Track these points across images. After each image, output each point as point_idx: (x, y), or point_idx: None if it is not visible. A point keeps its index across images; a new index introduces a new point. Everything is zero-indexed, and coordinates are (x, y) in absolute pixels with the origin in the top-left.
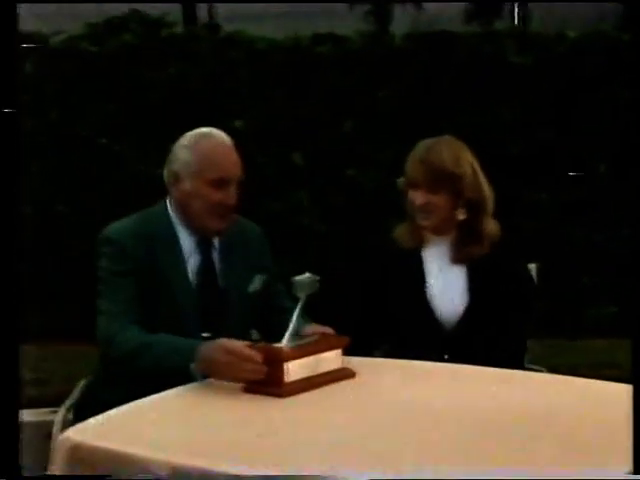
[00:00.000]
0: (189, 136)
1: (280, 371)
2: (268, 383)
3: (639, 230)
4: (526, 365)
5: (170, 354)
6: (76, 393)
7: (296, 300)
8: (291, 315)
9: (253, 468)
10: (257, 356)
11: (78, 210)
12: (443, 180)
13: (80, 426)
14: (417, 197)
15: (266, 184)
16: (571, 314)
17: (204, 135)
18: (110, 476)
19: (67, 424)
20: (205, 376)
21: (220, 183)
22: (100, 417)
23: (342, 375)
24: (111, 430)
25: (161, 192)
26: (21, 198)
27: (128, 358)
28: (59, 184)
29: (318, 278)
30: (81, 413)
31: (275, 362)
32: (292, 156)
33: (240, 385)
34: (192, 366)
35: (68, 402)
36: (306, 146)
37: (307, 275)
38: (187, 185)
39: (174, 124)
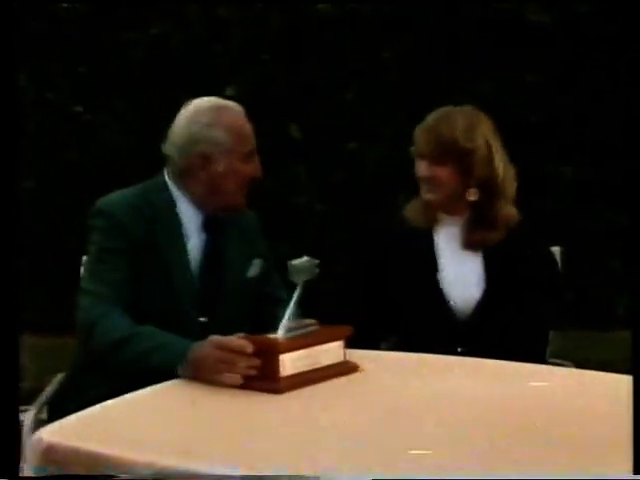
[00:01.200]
0: (207, 110)
1: (275, 364)
2: (262, 378)
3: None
4: (549, 359)
5: (157, 351)
6: (50, 390)
7: (292, 289)
8: (287, 304)
9: (245, 469)
10: (249, 347)
11: (48, 187)
12: (450, 153)
13: (54, 425)
14: (421, 167)
15: (259, 159)
16: (601, 303)
17: (220, 107)
18: (114, 476)
19: (39, 424)
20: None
21: (250, 155)
22: (77, 415)
23: (344, 369)
24: (89, 429)
25: (143, 165)
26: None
27: (109, 350)
28: (27, 158)
29: (317, 262)
30: (56, 412)
31: (270, 354)
32: (288, 128)
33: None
34: (180, 370)
35: (41, 400)
36: (304, 117)
37: (305, 259)
38: (221, 165)
39: (156, 91)
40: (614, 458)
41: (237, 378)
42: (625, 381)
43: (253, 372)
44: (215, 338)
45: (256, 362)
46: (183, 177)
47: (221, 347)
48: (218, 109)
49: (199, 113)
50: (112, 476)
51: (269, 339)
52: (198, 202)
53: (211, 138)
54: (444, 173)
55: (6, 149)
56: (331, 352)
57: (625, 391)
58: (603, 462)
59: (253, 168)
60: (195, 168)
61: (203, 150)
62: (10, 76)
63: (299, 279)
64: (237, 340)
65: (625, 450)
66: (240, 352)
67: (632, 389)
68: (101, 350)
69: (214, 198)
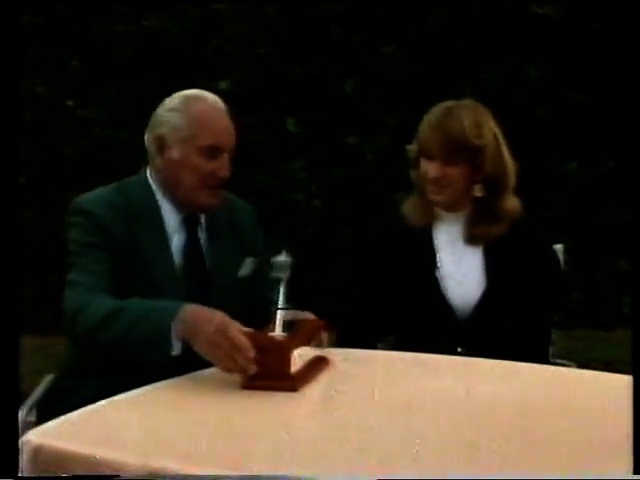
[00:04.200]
0: (178, 97)
1: (287, 362)
2: (275, 376)
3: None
4: (552, 359)
5: (146, 315)
6: (39, 391)
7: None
8: (276, 301)
9: (240, 470)
10: (251, 351)
11: (39, 181)
12: (462, 151)
13: (43, 427)
14: (431, 169)
15: (255, 154)
16: (606, 302)
17: (196, 97)
18: (118, 476)
19: (28, 427)
20: (184, 344)
21: (213, 151)
22: (66, 417)
23: (324, 364)
24: (79, 431)
25: (134, 160)
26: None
27: (97, 327)
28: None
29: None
30: (45, 414)
31: (282, 352)
32: (285, 122)
33: (234, 380)
34: (173, 327)
35: (29, 402)
36: (301, 111)
37: (284, 254)
38: (175, 153)
39: (150, 85)
40: (614, 458)
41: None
42: (625, 381)
43: (252, 371)
44: (223, 322)
45: (253, 369)
46: (150, 167)
47: (226, 336)
48: (192, 98)
49: (173, 100)
50: (114, 476)
51: (277, 336)
52: (169, 196)
53: (168, 122)
54: (455, 173)
55: (6, 149)
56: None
57: (625, 391)
58: (603, 462)
59: (216, 167)
60: (153, 153)
61: (159, 133)
62: (11, 75)
63: (284, 275)
64: (241, 338)
65: (625, 450)
66: (241, 350)
67: (632, 389)
68: (89, 330)
69: (175, 192)
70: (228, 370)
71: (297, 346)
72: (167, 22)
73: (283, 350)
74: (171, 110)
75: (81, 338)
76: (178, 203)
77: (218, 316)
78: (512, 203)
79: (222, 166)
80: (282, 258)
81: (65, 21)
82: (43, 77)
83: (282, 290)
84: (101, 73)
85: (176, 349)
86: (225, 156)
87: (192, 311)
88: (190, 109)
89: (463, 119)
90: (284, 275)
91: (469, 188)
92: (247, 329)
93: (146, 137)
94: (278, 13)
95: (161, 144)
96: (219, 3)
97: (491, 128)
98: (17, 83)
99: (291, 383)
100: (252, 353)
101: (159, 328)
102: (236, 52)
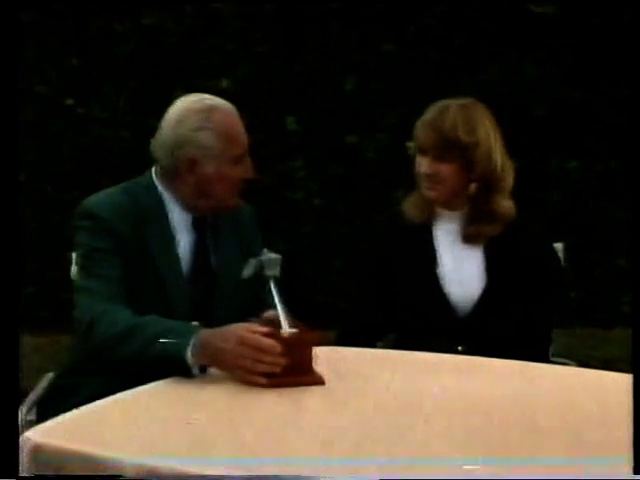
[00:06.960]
0: (192, 112)
1: (310, 357)
2: (302, 372)
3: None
4: (552, 358)
5: (163, 336)
6: (39, 390)
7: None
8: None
9: (238, 470)
10: (277, 347)
11: (39, 180)
12: (452, 148)
13: (42, 426)
14: (423, 164)
15: (255, 152)
16: (606, 300)
17: (210, 108)
18: (121, 476)
19: (28, 425)
20: (203, 367)
21: (240, 158)
22: (66, 415)
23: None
24: (78, 430)
25: (133, 158)
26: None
27: (113, 342)
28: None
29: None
30: (45, 412)
31: (307, 347)
32: (285, 120)
33: (235, 380)
34: (189, 352)
35: (29, 401)
36: (301, 109)
37: (267, 251)
38: (208, 169)
39: (148, 83)
40: (614, 458)
41: (262, 379)
42: (625, 379)
43: (278, 369)
44: (238, 332)
45: (281, 361)
46: (171, 178)
47: (247, 344)
48: (207, 110)
49: (187, 114)
50: (113, 476)
51: (297, 333)
52: (187, 204)
53: (198, 142)
54: (447, 169)
55: (6, 148)
56: None
57: (624, 389)
58: (603, 462)
59: (243, 170)
60: (182, 171)
61: (190, 154)
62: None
63: (275, 272)
64: (264, 341)
65: (625, 450)
66: (268, 351)
67: (632, 389)
68: (105, 344)
69: (203, 201)
70: (258, 376)
71: (316, 342)
72: (166, 20)
73: (308, 345)
74: (198, 130)
75: (96, 349)
76: (208, 211)
77: (230, 330)
78: (506, 205)
79: (248, 168)
80: (273, 255)
81: (64, 19)
82: (42, 75)
83: (274, 287)
84: (100, 71)
85: (196, 372)
86: (248, 158)
87: (205, 338)
88: (215, 124)
89: (455, 116)
90: (275, 272)
91: (464, 186)
92: (262, 328)
93: (165, 152)
94: (277, 11)
95: (191, 164)
96: (218, 2)
97: (485, 127)
98: (16, 82)
99: (319, 377)
100: (278, 349)
101: (174, 351)
102: (235, 50)
